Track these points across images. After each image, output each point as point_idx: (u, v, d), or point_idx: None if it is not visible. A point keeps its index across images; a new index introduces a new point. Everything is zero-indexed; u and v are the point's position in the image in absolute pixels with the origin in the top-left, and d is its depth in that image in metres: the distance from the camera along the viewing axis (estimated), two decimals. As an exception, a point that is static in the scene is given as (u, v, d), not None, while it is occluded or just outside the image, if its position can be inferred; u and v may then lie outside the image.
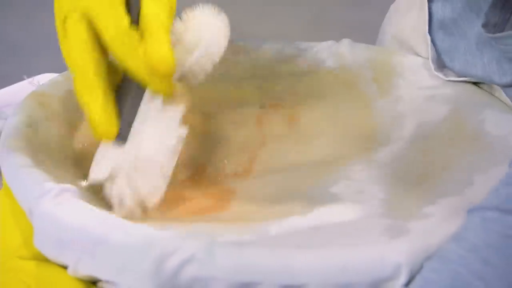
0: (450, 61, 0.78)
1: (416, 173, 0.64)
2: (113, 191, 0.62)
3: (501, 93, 0.71)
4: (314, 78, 0.75)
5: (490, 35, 0.70)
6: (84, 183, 0.65)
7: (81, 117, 0.68)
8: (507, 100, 0.71)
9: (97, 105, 0.60)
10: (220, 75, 0.71)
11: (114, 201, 0.61)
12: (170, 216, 0.63)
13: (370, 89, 0.73)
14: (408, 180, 0.64)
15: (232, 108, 0.73)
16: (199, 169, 0.67)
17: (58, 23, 0.62)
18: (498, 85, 0.73)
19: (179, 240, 0.55)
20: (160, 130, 0.61)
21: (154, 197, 0.63)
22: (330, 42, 0.82)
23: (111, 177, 0.62)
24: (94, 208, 0.57)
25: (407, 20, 0.82)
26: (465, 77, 0.75)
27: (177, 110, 0.62)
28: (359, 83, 0.74)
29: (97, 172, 0.62)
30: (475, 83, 0.74)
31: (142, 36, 0.59)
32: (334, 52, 0.80)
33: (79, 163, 0.66)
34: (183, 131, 0.62)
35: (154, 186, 0.63)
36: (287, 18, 2.82)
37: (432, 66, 0.76)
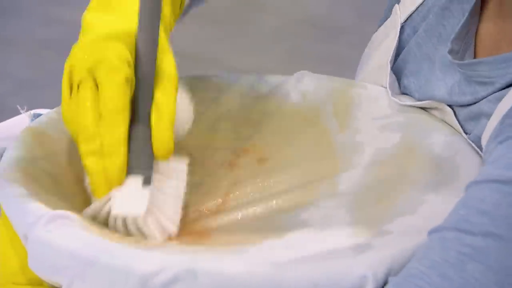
0: (414, 84, 0.78)
1: (375, 196, 0.65)
2: (142, 223, 0.63)
3: (452, 116, 0.71)
4: (281, 117, 0.76)
5: (456, 61, 0.71)
6: (87, 211, 0.64)
7: (72, 156, 0.68)
8: (455, 123, 0.71)
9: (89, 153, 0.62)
10: (196, 117, 0.70)
11: (146, 231, 0.63)
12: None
13: (331, 123, 0.74)
14: (368, 203, 0.65)
15: (207, 153, 0.74)
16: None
17: (65, 79, 0.63)
18: (458, 104, 0.72)
19: (163, 261, 0.55)
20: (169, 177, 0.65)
21: (174, 226, 0.64)
22: (296, 76, 0.82)
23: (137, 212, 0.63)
24: (84, 232, 0.57)
25: (380, 52, 0.82)
26: (425, 99, 0.75)
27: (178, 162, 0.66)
28: (320, 118, 0.75)
29: (129, 207, 0.63)
30: (427, 108, 0.74)
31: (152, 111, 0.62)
32: (299, 88, 0.81)
33: (71, 195, 0.66)
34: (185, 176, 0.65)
35: (173, 218, 0.65)
36: (266, 51, 2.82)
37: (389, 91, 0.76)
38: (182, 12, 0.80)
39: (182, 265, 0.54)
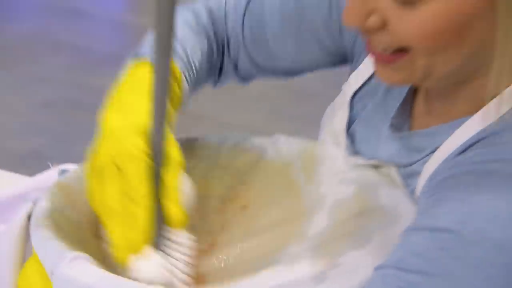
0: (363, 149, 0.77)
1: (333, 237, 0.66)
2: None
3: (395, 174, 0.71)
4: (261, 170, 0.76)
5: (395, 133, 0.72)
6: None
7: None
8: (397, 178, 0.70)
9: (118, 237, 0.63)
10: (191, 169, 0.70)
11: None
12: None
13: (299, 177, 0.74)
14: (328, 242, 0.65)
15: (200, 201, 0.70)
16: None
17: (91, 172, 0.64)
18: (398, 165, 0.71)
19: None
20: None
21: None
22: (274, 137, 0.81)
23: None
24: (100, 271, 0.57)
25: (337, 119, 0.80)
26: (372, 160, 0.74)
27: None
28: (291, 172, 0.75)
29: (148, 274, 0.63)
30: (375, 166, 0.73)
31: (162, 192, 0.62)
32: (276, 147, 0.80)
33: (89, 240, 0.66)
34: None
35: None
36: (251, 109, 2.84)
37: (346, 153, 0.76)
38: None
39: None
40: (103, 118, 0.66)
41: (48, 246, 0.61)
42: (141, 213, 0.60)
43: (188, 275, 0.66)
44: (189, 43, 0.82)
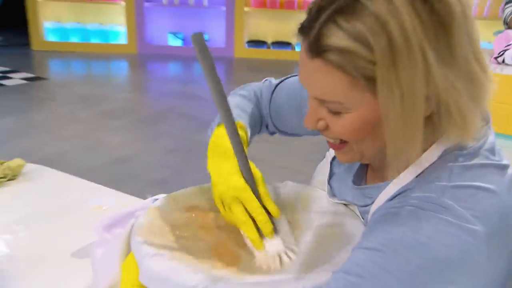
0: (338, 193, 0.76)
1: (311, 254, 0.64)
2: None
3: (356, 210, 0.71)
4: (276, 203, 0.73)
5: (356, 186, 0.72)
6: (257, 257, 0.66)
7: (168, 222, 0.70)
8: (357, 212, 0.71)
9: (254, 234, 0.66)
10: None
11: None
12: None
13: (299, 208, 0.74)
14: (307, 258, 0.63)
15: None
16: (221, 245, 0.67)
17: (218, 202, 0.69)
18: (357, 205, 0.71)
19: (205, 278, 0.57)
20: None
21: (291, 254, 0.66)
22: (285, 183, 0.82)
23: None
24: (169, 263, 0.60)
25: (323, 171, 0.80)
26: (343, 200, 0.74)
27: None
28: (294, 205, 0.75)
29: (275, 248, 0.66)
30: (345, 204, 0.74)
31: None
32: (286, 189, 0.81)
33: (171, 239, 0.66)
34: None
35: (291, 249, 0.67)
36: (294, 157, 2.78)
37: (327, 195, 0.76)
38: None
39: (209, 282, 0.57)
40: (210, 166, 0.71)
41: (138, 247, 0.64)
42: (262, 217, 0.66)
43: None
44: (246, 108, 0.86)
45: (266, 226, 0.66)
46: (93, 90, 4.36)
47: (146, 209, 0.74)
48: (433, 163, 0.59)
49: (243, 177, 0.67)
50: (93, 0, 5.73)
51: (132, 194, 1.04)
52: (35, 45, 5.80)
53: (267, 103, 0.91)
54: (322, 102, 0.60)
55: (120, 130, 3.40)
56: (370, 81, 0.54)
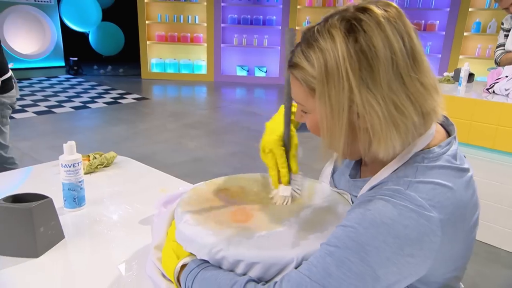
0: (338, 184, 0.73)
1: (308, 223, 0.62)
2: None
3: (349, 198, 0.68)
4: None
5: (351, 179, 0.69)
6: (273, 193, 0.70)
7: (210, 198, 0.69)
8: (349, 200, 0.68)
9: (274, 176, 0.70)
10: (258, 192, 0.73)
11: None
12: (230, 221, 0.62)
13: (305, 196, 0.71)
14: (306, 226, 0.61)
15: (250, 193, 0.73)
16: (239, 208, 0.66)
17: (261, 148, 0.72)
18: (351, 195, 0.68)
19: (220, 241, 0.56)
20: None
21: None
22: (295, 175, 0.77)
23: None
24: (195, 227, 0.60)
25: (328, 170, 0.76)
26: (341, 190, 0.72)
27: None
28: (302, 194, 0.72)
29: (286, 192, 0.69)
30: (341, 193, 0.71)
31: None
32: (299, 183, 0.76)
33: (207, 211, 0.65)
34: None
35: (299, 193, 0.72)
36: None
37: (329, 186, 0.74)
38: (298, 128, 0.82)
39: (226, 242, 0.55)
40: (267, 125, 0.73)
41: (177, 215, 0.64)
42: (283, 170, 0.69)
43: (300, 194, 0.71)
44: None
45: (284, 176, 0.70)
46: (180, 108, 4.50)
47: (188, 190, 0.74)
48: (405, 162, 0.57)
49: (283, 138, 0.70)
50: (185, 42, 5.97)
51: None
52: (143, 75, 6.10)
53: None
54: (298, 103, 0.62)
55: (196, 138, 3.46)
56: (314, 92, 0.56)
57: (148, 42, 5.97)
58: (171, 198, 0.80)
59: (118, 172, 1.09)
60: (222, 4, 5.72)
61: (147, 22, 5.88)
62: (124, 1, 7.03)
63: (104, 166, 1.09)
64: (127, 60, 7.29)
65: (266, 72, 6.01)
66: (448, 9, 5.03)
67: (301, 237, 0.58)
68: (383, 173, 0.59)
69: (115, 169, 1.11)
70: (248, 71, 6.03)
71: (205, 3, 5.72)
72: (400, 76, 0.52)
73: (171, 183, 1.04)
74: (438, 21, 5.19)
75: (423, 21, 5.21)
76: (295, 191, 0.71)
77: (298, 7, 5.56)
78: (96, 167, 1.07)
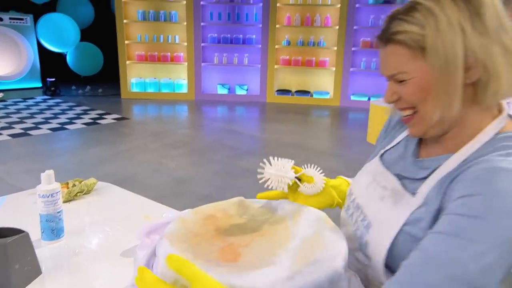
0: (390, 167, 0.70)
1: (301, 250, 0.58)
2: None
3: (332, 223, 0.66)
4: (273, 219, 0.70)
5: (416, 159, 0.67)
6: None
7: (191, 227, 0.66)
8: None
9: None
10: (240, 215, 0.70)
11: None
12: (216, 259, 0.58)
13: (290, 222, 0.67)
14: (299, 253, 0.58)
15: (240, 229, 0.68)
16: (228, 245, 0.62)
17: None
18: (409, 178, 0.64)
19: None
20: None
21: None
22: (281, 201, 0.75)
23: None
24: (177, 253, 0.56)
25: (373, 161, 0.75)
26: (392, 173, 0.68)
27: None
28: (286, 220, 0.68)
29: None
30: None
31: None
32: (281, 206, 0.73)
33: (190, 242, 0.62)
34: None
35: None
36: None
37: (377, 165, 0.72)
38: None
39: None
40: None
41: (164, 249, 0.60)
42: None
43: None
44: None
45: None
46: (161, 127, 4.45)
47: (174, 219, 0.69)
48: (488, 141, 0.58)
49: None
50: (165, 62, 5.97)
51: (185, 205, 0.97)
52: (123, 95, 6.03)
53: None
54: (393, 77, 0.62)
55: (178, 157, 3.42)
56: (423, 51, 0.57)
57: (127, 62, 5.94)
58: (154, 228, 0.77)
59: (98, 199, 1.06)
60: (202, 23, 5.78)
61: (126, 42, 5.86)
62: (103, 21, 7.01)
63: (84, 194, 1.06)
64: (107, 80, 7.21)
65: (247, 90, 6.05)
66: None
67: (295, 272, 0.55)
68: (466, 151, 0.59)
69: (96, 196, 1.08)
70: (229, 89, 6.06)
71: (185, 23, 5.76)
72: (502, 23, 0.56)
73: (155, 209, 1.01)
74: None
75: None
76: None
77: (277, 26, 5.67)
78: (76, 195, 1.03)
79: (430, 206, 0.58)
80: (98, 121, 4.66)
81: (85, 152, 3.52)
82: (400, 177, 0.67)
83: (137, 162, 3.26)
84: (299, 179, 0.78)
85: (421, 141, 0.70)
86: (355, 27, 5.48)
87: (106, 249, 0.84)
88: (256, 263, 0.57)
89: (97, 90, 6.70)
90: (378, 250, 0.62)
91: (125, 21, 5.78)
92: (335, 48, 5.59)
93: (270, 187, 0.74)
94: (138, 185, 2.76)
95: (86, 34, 6.75)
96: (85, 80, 6.96)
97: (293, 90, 5.98)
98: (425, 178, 0.62)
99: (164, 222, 0.78)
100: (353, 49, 5.55)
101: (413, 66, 0.59)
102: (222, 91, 6.06)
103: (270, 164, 0.74)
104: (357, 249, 0.68)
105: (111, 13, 6.55)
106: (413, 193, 0.62)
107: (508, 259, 0.49)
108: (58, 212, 0.84)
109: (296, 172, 0.76)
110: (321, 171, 0.79)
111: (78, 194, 1.04)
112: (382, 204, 0.66)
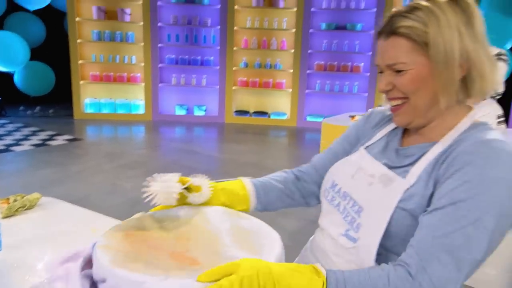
0: (377, 157, 0.74)
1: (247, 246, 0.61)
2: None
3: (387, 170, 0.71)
4: (185, 223, 0.70)
5: (400, 147, 0.72)
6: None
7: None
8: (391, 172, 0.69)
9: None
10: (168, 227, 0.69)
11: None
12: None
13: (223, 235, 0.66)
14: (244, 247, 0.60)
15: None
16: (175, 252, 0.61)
17: None
18: (394, 167, 0.69)
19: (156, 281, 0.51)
20: None
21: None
22: (210, 208, 0.76)
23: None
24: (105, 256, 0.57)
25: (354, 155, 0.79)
26: (378, 162, 0.72)
27: None
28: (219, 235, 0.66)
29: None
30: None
31: None
32: (183, 211, 0.73)
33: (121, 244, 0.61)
34: None
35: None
36: None
37: (362, 157, 0.76)
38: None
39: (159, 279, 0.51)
40: None
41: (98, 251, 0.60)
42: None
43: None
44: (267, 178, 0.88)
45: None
46: (117, 148, 4.34)
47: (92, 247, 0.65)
48: (466, 129, 0.65)
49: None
50: (121, 82, 5.86)
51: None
52: (76, 115, 5.82)
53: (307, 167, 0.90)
54: (391, 67, 0.67)
55: (134, 178, 3.34)
56: (424, 46, 0.63)
57: (81, 82, 5.77)
58: (66, 258, 0.70)
59: (42, 214, 1.02)
60: (160, 44, 5.78)
61: (80, 61, 5.71)
62: (56, 40, 6.81)
63: (27, 209, 1.02)
64: (58, 100, 6.93)
65: (205, 110, 6.07)
66: (370, 53, 5.57)
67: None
68: (448, 139, 0.65)
69: (39, 211, 1.03)
70: (187, 110, 6.05)
71: (142, 44, 5.74)
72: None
73: (103, 222, 0.98)
74: (362, 63, 5.70)
75: (350, 63, 5.70)
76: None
77: (234, 48, 5.78)
78: (17, 210, 0.99)
79: (423, 183, 0.63)
80: (48, 142, 4.46)
81: (33, 175, 3.34)
82: (387, 167, 0.70)
83: (90, 184, 3.15)
84: (188, 190, 0.75)
85: (403, 136, 0.75)
86: (309, 51, 5.72)
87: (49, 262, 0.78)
88: (218, 262, 0.55)
89: (47, 111, 6.42)
90: (373, 231, 0.64)
91: (79, 40, 5.66)
92: (291, 70, 5.79)
93: (157, 204, 0.71)
94: (91, 207, 2.56)
95: (37, 53, 6.51)
96: (34, 101, 6.65)
97: (251, 111, 6.07)
98: (412, 163, 0.67)
99: (75, 252, 0.71)
100: (308, 71, 5.78)
101: (413, 58, 0.64)
102: (180, 111, 6.03)
103: (156, 181, 0.72)
104: (340, 234, 0.70)
105: (64, 33, 6.39)
106: (404, 177, 0.66)
107: (503, 223, 0.55)
108: (-4, 225, 0.80)
109: (183, 183, 0.73)
110: (207, 177, 0.77)
111: (20, 209, 0.99)
112: (372, 188, 0.68)
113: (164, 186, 0.70)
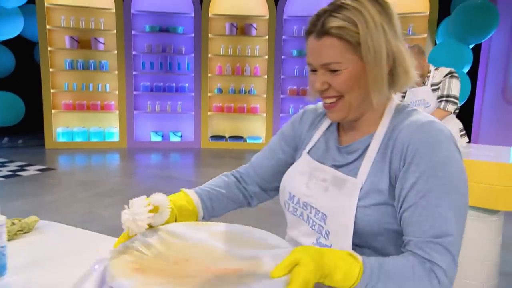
0: (321, 159, 0.76)
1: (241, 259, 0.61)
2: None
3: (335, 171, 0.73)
4: (181, 243, 0.69)
5: (341, 146, 0.74)
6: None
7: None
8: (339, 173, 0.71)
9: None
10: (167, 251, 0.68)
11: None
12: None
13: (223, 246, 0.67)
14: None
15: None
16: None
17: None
18: (337, 165, 0.72)
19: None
20: None
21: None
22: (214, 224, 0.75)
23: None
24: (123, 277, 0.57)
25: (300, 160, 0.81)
26: (323, 164, 0.74)
27: None
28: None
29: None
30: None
31: None
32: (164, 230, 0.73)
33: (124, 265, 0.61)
34: None
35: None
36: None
37: (307, 162, 0.77)
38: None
39: None
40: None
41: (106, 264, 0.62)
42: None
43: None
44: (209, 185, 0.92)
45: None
46: (91, 176, 4.27)
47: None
48: (393, 113, 0.70)
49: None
50: (95, 110, 5.81)
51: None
52: (48, 145, 5.68)
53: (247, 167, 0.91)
54: (326, 66, 0.68)
55: (111, 206, 3.29)
56: (357, 45, 0.66)
57: (53, 111, 5.67)
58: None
59: (41, 237, 1.02)
60: (134, 72, 5.81)
61: (52, 90, 5.63)
62: (26, 70, 6.69)
63: (25, 232, 1.02)
64: (28, 130, 6.73)
65: (181, 136, 6.08)
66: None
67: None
68: (383, 126, 0.69)
69: (37, 234, 1.03)
70: (162, 136, 6.04)
71: (116, 72, 5.75)
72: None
73: (105, 242, 0.99)
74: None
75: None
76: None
77: (209, 75, 5.90)
78: (15, 234, 0.99)
79: (376, 178, 0.66)
80: (19, 173, 4.31)
81: (3, 207, 3.20)
82: (335, 167, 0.73)
83: (64, 213, 3.07)
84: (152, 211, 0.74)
85: (338, 132, 0.78)
86: (282, 76, 5.92)
87: (57, 285, 0.80)
88: (255, 263, 0.57)
89: (16, 141, 6.22)
90: (343, 235, 0.66)
91: (51, 69, 5.60)
92: (265, 95, 5.94)
93: (133, 233, 0.70)
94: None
95: (7, 83, 6.36)
96: (2, 131, 6.44)
97: (227, 135, 6.13)
98: (358, 159, 0.70)
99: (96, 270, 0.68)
100: (281, 96, 5.95)
101: (347, 58, 0.66)
102: (155, 138, 6.00)
103: (127, 211, 0.70)
104: (313, 243, 0.71)
105: (35, 62, 6.30)
106: (354, 175, 0.68)
107: (465, 191, 0.61)
108: (2, 247, 0.81)
109: (148, 206, 0.72)
110: (164, 195, 0.75)
111: (18, 232, 0.99)
112: (328, 194, 0.69)
113: (132, 214, 0.69)
